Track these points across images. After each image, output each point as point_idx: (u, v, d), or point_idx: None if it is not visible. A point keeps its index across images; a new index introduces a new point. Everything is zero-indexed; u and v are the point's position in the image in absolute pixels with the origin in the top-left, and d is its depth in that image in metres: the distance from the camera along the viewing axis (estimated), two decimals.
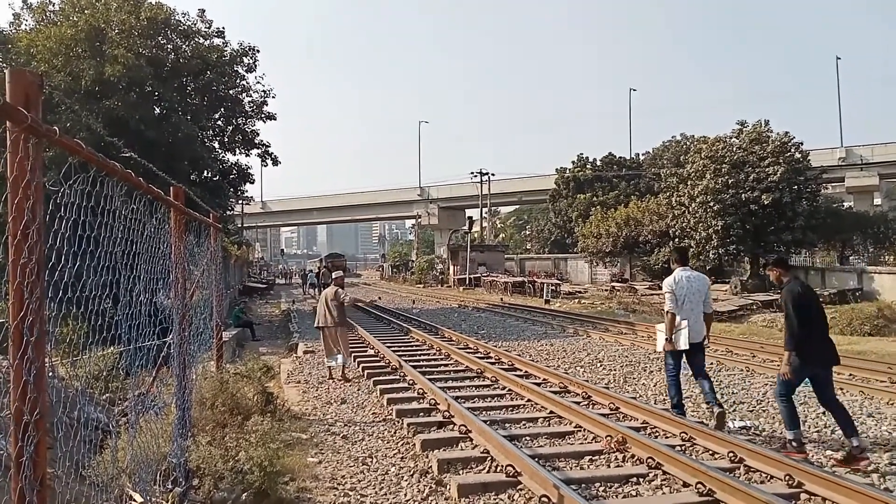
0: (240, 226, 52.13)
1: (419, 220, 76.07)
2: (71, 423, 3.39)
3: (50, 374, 2.91)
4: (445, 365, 11.94)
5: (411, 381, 9.96)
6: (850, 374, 10.99)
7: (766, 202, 30.14)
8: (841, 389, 9.87)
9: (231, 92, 24.99)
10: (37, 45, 19.92)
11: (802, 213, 30.48)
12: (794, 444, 6.44)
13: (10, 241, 2.38)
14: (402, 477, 5.95)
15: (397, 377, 10.56)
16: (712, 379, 8.18)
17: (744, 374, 11.22)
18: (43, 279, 2.50)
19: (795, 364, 6.42)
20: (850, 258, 37.44)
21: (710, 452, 6.36)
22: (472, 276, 45.36)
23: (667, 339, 7.44)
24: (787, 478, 5.40)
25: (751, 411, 8.57)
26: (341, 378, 10.88)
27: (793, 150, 32.07)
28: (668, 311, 7.46)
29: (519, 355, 12.57)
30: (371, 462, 6.43)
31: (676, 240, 35.98)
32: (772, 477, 5.59)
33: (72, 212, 3.01)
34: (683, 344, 7.33)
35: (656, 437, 6.95)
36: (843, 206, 43.59)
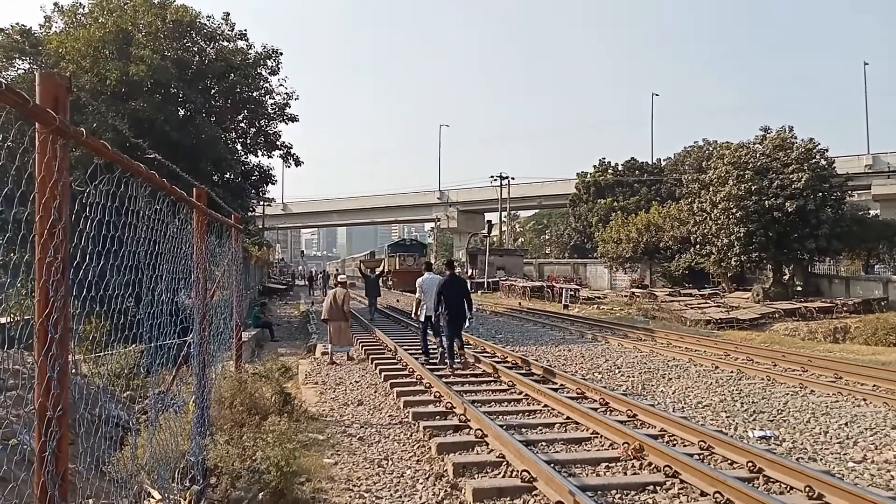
0: (261, 227, 52.61)
1: (438, 223, 76.08)
2: (92, 419, 3.45)
3: (73, 370, 2.96)
4: (462, 368, 11.93)
5: (428, 385, 9.97)
6: (874, 385, 10.80)
7: (789, 209, 29.72)
8: (864, 400, 9.73)
9: (254, 94, 25.25)
10: (66, 46, 20.30)
11: (827, 220, 29.99)
12: (445, 358, 11.61)
13: (36, 240, 2.43)
14: (418, 480, 5.96)
15: (414, 380, 10.59)
16: (734, 389, 10.13)
17: (764, 384, 11.08)
18: (68, 277, 2.54)
19: (446, 319, 11.38)
20: (876, 267, 36.80)
21: (729, 462, 6.28)
22: (490, 280, 45.28)
23: (416, 313, 13.06)
24: (806, 489, 5.32)
25: (771, 421, 8.45)
26: (333, 362, 12.91)
27: (818, 157, 31.62)
28: (417, 298, 12.89)
29: (536, 360, 12.52)
30: (387, 464, 6.45)
31: (697, 246, 35.65)
32: (791, 488, 5.52)
33: (97, 212, 3.06)
34: (423, 316, 12.67)
35: (674, 445, 6.88)
36: (869, 214, 42.86)
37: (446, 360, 11.61)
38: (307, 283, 50.01)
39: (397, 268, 46.48)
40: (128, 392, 7.62)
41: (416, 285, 12.96)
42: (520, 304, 33.24)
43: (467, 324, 12.15)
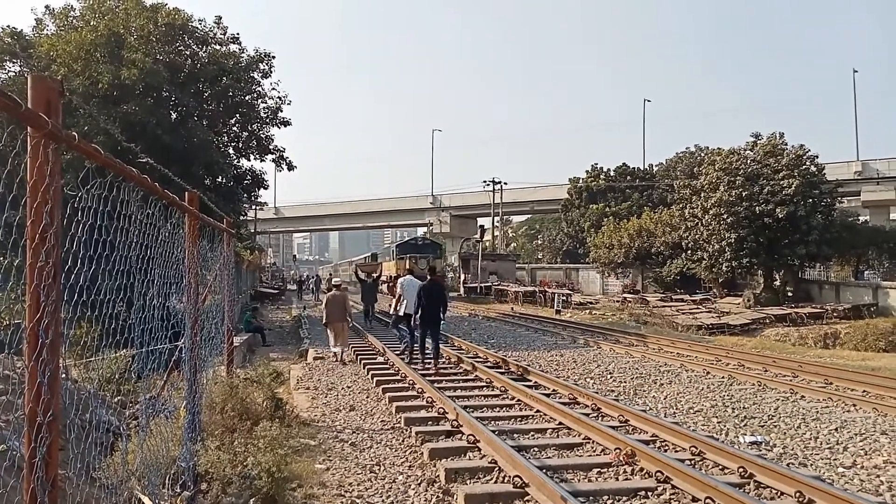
0: (253, 231, 52.42)
1: (431, 227, 76.04)
2: (83, 424, 3.43)
3: (63, 376, 2.94)
4: (455, 373, 11.93)
5: (420, 390, 9.96)
6: (864, 391, 10.87)
7: (780, 215, 29.93)
8: (854, 406, 9.79)
9: (246, 98, 25.21)
10: (57, 49, 20.22)
11: (817, 226, 30.21)
12: (416, 354, 12.53)
13: (28, 244, 2.42)
14: (410, 486, 5.95)
15: (406, 385, 10.57)
16: (725, 394, 10.33)
17: (755, 389, 11.12)
18: (59, 282, 2.53)
19: (419, 322, 12.26)
20: (865, 273, 37.07)
21: (720, 467, 6.31)
22: (483, 285, 45.27)
23: (395, 309, 13.89)
24: (797, 494, 5.34)
25: (762, 426, 8.49)
26: (341, 361, 13.62)
27: (808, 164, 31.87)
28: (398, 295, 13.75)
29: (528, 365, 12.52)
30: (379, 470, 6.43)
31: (689, 251, 35.80)
32: (782, 493, 5.54)
33: (88, 216, 3.05)
34: (402, 311, 13.50)
35: (666, 450, 6.90)
36: (859, 220, 43.18)
37: (417, 356, 12.52)
38: (297, 287, 49.68)
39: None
40: (118, 397, 7.57)
41: (398, 283, 14.10)
42: (512, 309, 33.26)
43: (441, 324, 13.01)
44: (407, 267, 15.78)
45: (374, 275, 26.75)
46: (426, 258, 39.55)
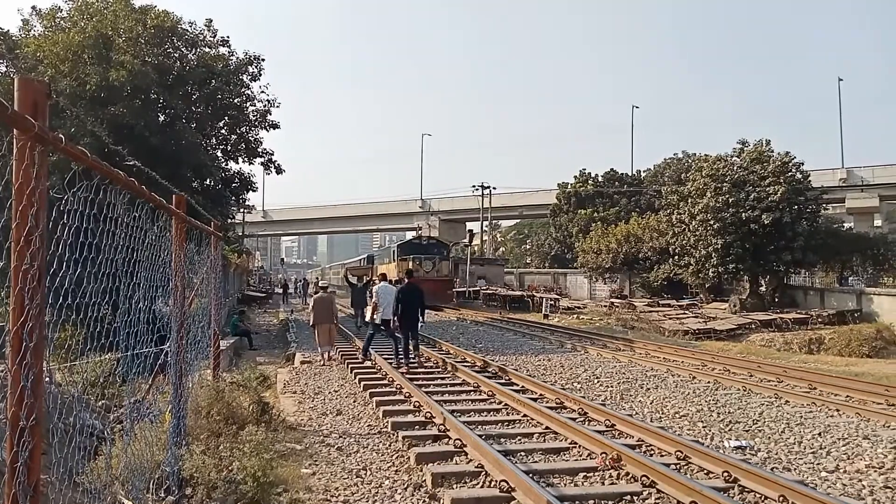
0: (240, 234, 52.14)
1: (420, 231, 76.06)
2: (66, 429, 3.40)
3: (47, 379, 2.92)
4: (442, 378, 11.93)
5: (407, 394, 9.95)
6: (847, 396, 10.98)
7: (766, 222, 30.18)
8: (837, 411, 9.88)
9: (235, 101, 25.08)
10: (44, 50, 20.05)
11: (802, 233, 30.50)
12: (401, 358, 12.65)
13: (12, 247, 2.40)
14: (396, 490, 5.94)
15: (393, 389, 10.56)
16: (711, 399, 10.52)
17: (740, 394, 11.21)
18: (44, 285, 2.52)
19: (399, 324, 12.42)
20: (850, 279, 37.42)
21: (705, 472, 6.35)
22: (471, 290, 45.30)
23: (372, 317, 13.84)
24: (780, 499, 5.39)
25: (746, 431, 8.55)
26: (329, 360, 14.10)
27: (793, 171, 32.17)
28: (374, 302, 13.79)
29: (516, 370, 12.55)
30: (365, 474, 6.42)
31: (676, 257, 36.02)
32: (766, 497, 5.59)
33: (74, 218, 3.03)
34: (378, 319, 13.53)
35: (651, 455, 6.94)
36: (844, 226, 43.64)
37: (402, 360, 12.60)
38: (282, 290, 48.66)
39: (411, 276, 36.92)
40: (103, 401, 7.51)
41: (374, 292, 14.18)
42: (500, 313, 33.29)
43: (420, 326, 13.26)
44: (410, 269, 16.10)
45: (367, 278, 26.32)
46: (432, 259, 34.84)
